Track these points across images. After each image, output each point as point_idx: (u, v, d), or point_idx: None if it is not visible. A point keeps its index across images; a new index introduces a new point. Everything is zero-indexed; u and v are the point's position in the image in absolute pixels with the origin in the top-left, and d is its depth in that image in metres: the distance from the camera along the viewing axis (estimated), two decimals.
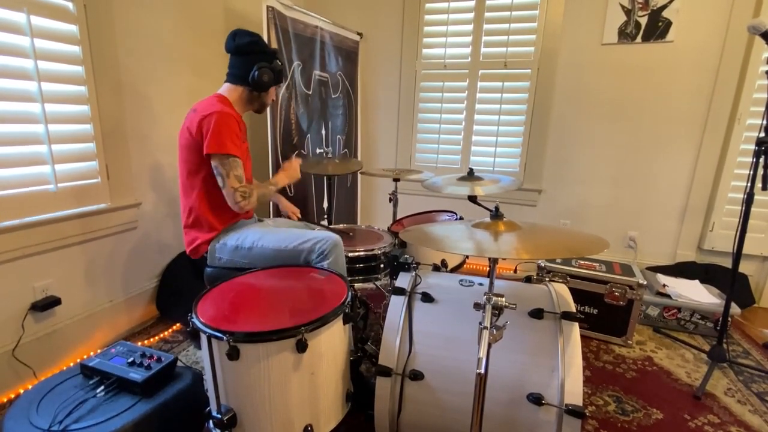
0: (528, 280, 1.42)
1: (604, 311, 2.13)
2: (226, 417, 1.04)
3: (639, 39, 2.63)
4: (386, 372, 1.22)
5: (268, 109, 2.34)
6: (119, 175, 2.00)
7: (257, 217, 1.85)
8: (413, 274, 1.40)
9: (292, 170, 1.77)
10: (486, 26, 2.91)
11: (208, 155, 1.47)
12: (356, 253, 1.67)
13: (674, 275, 2.56)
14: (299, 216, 2.00)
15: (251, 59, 1.58)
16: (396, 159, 3.37)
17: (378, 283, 1.98)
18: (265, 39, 2.27)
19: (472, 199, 1.79)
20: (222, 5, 2.53)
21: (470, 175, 1.85)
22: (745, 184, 1.73)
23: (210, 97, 1.59)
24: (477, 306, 0.99)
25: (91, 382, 1.20)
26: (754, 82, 2.46)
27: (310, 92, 2.74)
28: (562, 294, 1.28)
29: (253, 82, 1.59)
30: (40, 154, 1.68)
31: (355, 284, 1.75)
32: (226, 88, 1.64)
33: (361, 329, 1.67)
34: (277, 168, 2.46)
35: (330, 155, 2.42)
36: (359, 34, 3.16)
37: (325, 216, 2.70)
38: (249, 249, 1.56)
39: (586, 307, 2.17)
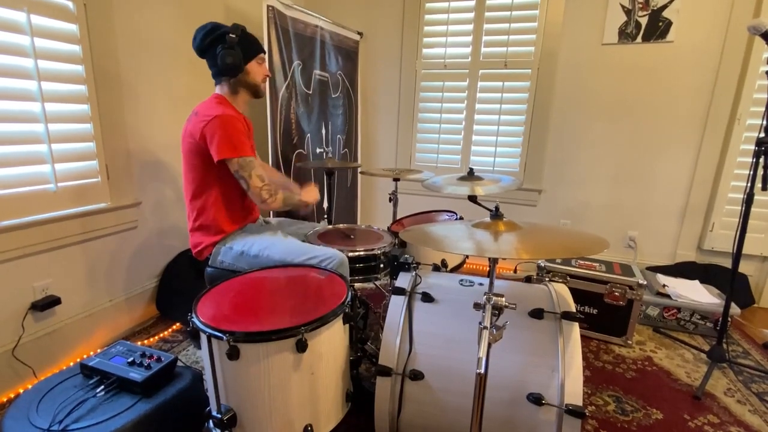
0: (528, 280, 1.42)
1: (604, 311, 2.13)
2: (226, 417, 1.04)
3: (639, 39, 2.63)
4: (386, 372, 1.22)
5: (268, 109, 2.34)
6: (119, 175, 2.00)
7: (262, 218, 1.84)
8: (413, 274, 1.39)
9: (311, 191, 1.76)
10: (486, 26, 2.91)
11: (223, 161, 1.46)
12: (356, 253, 1.67)
13: (674, 275, 2.56)
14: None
15: (213, 51, 1.54)
16: (396, 159, 3.37)
17: (378, 283, 1.97)
18: (265, 38, 2.27)
19: (472, 199, 1.79)
20: (222, 5, 2.53)
21: (470, 175, 1.85)
22: (745, 184, 1.73)
23: (209, 98, 1.60)
24: (477, 306, 0.99)
25: (90, 381, 1.20)
26: (754, 82, 2.46)
27: (310, 92, 2.74)
28: (562, 294, 1.28)
29: (225, 71, 1.56)
30: (40, 154, 1.68)
31: (355, 284, 1.74)
32: (218, 87, 1.64)
33: (361, 329, 1.67)
34: (277, 168, 2.46)
35: (330, 155, 2.42)
36: (359, 33, 3.16)
37: (325, 216, 2.70)
38: (254, 257, 1.55)
39: (586, 307, 2.17)
